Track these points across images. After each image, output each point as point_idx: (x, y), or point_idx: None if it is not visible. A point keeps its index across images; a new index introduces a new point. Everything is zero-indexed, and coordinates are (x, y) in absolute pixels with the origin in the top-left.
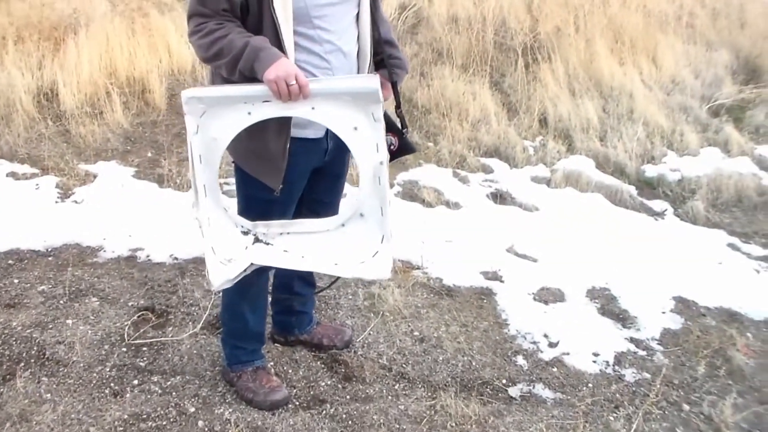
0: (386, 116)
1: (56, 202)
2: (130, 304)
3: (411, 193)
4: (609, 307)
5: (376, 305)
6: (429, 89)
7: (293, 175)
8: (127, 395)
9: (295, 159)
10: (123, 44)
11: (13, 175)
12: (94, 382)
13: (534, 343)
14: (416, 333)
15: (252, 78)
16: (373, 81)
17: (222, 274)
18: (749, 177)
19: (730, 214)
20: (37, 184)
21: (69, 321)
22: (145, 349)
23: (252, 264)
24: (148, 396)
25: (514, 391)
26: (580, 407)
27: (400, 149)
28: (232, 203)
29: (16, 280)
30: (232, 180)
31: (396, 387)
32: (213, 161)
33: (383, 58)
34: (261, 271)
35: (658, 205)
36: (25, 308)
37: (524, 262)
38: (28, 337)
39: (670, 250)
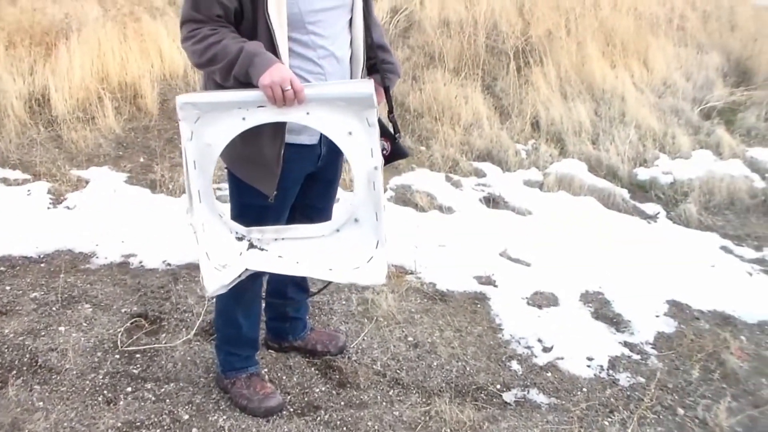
0: (379, 121)
1: (48, 208)
2: (123, 310)
3: (404, 198)
4: (602, 311)
5: (369, 311)
6: (421, 93)
7: (287, 181)
8: (121, 403)
9: (289, 165)
10: (115, 49)
11: (4, 181)
12: (87, 389)
13: (528, 347)
14: (410, 338)
15: (246, 83)
16: (367, 86)
17: (217, 280)
18: (741, 179)
19: (723, 217)
20: (28, 190)
21: (61, 328)
22: (138, 356)
23: (247, 270)
24: (142, 403)
25: (508, 397)
26: (575, 412)
27: (393, 154)
28: (226, 209)
29: (8, 287)
30: (226, 186)
31: (390, 393)
32: (207, 167)
33: (376, 63)
34: (255, 277)
35: (650, 208)
36: (17, 315)
37: (517, 266)
38: (20, 345)
39: (663, 253)
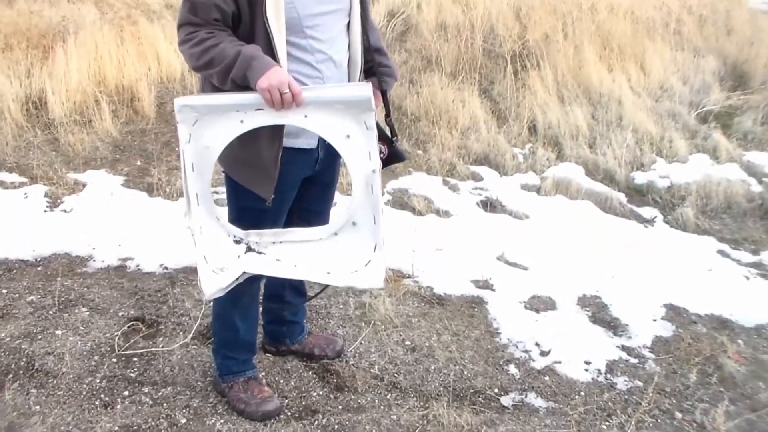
0: (376, 124)
1: (45, 211)
2: (120, 314)
3: (401, 201)
4: (600, 314)
5: (367, 314)
6: (418, 97)
7: (285, 184)
8: (118, 406)
9: (286, 168)
10: (112, 52)
11: (1, 184)
12: (84, 393)
13: (526, 351)
14: (408, 342)
15: (244, 87)
16: (365, 89)
17: (214, 283)
18: (738, 183)
19: (720, 221)
20: (25, 193)
21: (58, 332)
22: (135, 359)
23: (244, 273)
24: (139, 407)
25: (506, 401)
26: (573, 416)
27: (390, 157)
28: (224, 212)
29: (4, 291)
30: (223, 189)
31: (388, 397)
32: (205, 170)
33: (373, 66)
34: (252, 280)
35: (647, 212)
36: (13, 319)
37: (515, 270)
38: (16, 349)
39: (660, 257)
